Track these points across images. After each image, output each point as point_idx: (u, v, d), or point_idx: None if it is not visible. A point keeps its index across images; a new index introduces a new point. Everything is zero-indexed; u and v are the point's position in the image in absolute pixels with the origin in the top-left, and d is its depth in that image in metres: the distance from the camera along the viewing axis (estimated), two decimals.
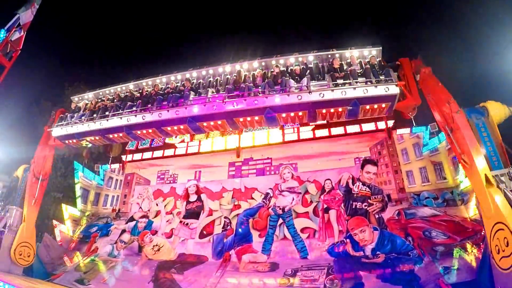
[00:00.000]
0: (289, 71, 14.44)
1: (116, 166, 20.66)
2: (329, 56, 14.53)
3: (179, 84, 15.90)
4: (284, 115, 13.83)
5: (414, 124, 15.35)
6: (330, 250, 13.73)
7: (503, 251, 8.41)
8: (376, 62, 13.50)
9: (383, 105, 12.93)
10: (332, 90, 12.65)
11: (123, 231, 17.43)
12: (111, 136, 15.89)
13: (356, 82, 12.63)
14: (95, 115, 15.58)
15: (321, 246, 14.07)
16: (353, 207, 14.48)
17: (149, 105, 14.82)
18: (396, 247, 12.62)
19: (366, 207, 14.27)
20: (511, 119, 10.64)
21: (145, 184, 19.80)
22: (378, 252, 12.70)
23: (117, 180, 20.24)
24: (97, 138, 16.17)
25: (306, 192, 15.98)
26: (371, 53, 13.98)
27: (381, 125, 16.39)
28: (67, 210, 18.47)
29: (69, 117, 16.13)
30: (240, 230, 15.60)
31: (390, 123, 16.24)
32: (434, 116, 11.80)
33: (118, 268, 15.20)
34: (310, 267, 12.97)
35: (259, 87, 13.86)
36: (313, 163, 16.95)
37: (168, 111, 14.38)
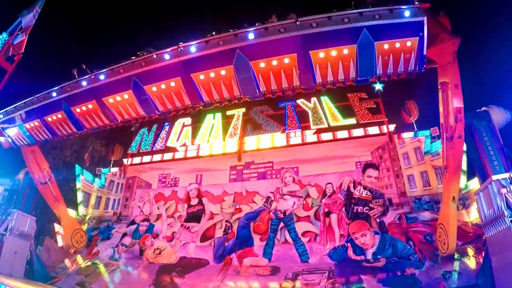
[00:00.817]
0: None
1: (117, 169, 20.66)
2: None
3: None
4: (263, 64, 10.42)
5: (416, 128, 15.41)
6: (331, 254, 13.72)
7: (442, 243, 11.18)
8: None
9: (408, 43, 9.51)
10: (329, 18, 9.43)
11: (124, 234, 17.42)
12: (49, 119, 13.96)
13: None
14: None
15: (322, 250, 14.04)
16: (354, 211, 14.48)
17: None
18: (397, 251, 12.62)
19: (367, 211, 14.28)
20: None
21: (146, 188, 19.81)
22: (379, 256, 12.70)
23: (118, 183, 20.22)
24: (36, 123, 14.40)
25: (307, 196, 15.98)
26: None
27: (383, 129, 16.40)
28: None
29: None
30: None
31: (392, 127, 16.28)
32: (438, 108, 10.67)
33: (119, 272, 15.20)
34: (311, 271, 12.97)
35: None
36: (314, 167, 16.96)
37: (112, 70, 11.97)
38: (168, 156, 20.48)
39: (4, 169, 16.87)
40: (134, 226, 17.70)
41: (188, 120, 20.62)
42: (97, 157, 21.21)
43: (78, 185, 19.12)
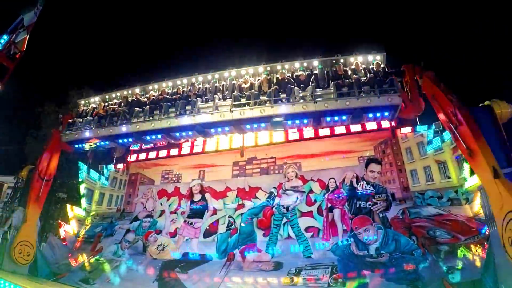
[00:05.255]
0: (294, 77, 14.32)
1: (120, 166, 20.69)
2: (334, 61, 14.60)
3: (185, 89, 15.92)
4: (289, 122, 14.05)
5: (418, 123, 15.32)
6: (334, 249, 13.70)
7: None
8: (380, 69, 13.51)
9: (386, 113, 13.33)
10: (336, 100, 12.88)
11: (128, 230, 17.47)
12: (120, 141, 16.18)
13: (360, 92, 12.83)
14: (103, 120, 15.71)
15: (325, 245, 14.03)
16: (357, 206, 14.44)
17: (157, 111, 14.77)
18: (400, 246, 12.60)
19: (370, 206, 14.24)
20: None
21: (149, 184, 19.83)
22: (382, 252, 12.70)
23: (121, 180, 20.26)
24: (106, 142, 16.55)
25: (310, 191, 15.92)
26: (375, 59, 14.11)
27: (385, 124, 16.27)
28: (72, 210, 18.51)
29: (78, 123, 16.24)
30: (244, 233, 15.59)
31: (394, 122, 16.14)
32: (438, 117, 11.74)
33: (123, 268, 15.23)
34: (314, 266, 12.95)
35: (266, 94, 13.72)
36: (317, 162, 16.92)
37: (176, 119, 14.34)
38: (171, 152, 20.50)
39: (7, 166, 16.94)
40: (137, 222, 17.78)
41: None
42: (100, 154, 21.22)
43: (82, 182, 19.21)
